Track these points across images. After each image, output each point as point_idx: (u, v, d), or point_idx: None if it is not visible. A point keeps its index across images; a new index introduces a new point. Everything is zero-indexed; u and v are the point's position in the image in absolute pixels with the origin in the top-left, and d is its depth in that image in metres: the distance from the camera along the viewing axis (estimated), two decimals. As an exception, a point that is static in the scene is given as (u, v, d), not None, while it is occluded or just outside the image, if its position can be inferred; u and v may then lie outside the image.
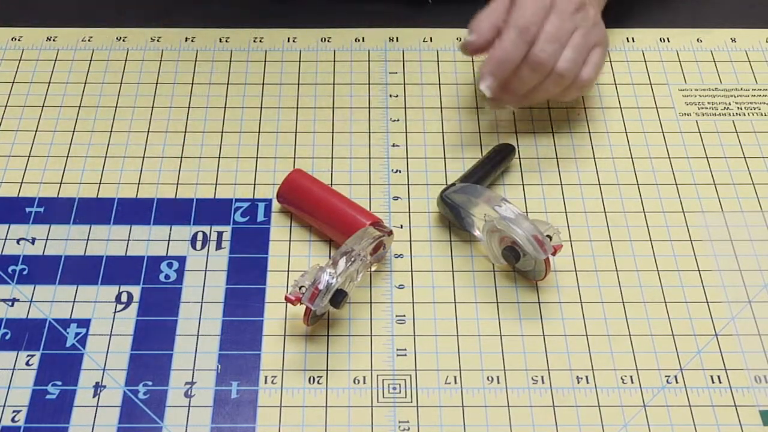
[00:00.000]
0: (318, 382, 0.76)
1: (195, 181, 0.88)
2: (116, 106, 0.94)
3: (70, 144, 0.91)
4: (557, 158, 0.91)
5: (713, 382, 0.76)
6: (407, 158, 0.91)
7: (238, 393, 0.75)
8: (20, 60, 0.99)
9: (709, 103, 0.96)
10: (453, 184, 0.85)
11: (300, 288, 0.75)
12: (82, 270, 0.82)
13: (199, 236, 0.84)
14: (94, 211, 0.85)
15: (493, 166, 0.87)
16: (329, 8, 1.04)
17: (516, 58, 0.84)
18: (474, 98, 0.95)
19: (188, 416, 0.74)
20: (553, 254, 0.78)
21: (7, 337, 0.78)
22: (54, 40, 1.01)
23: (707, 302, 0.81)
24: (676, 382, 0.76)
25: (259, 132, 0.92)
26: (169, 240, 0.84)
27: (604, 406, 0.74)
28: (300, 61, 0.99)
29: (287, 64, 0.99)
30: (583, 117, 0.94)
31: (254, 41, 1.01)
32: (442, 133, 0.93)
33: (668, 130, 0.93)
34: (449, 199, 0.83)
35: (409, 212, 0.86)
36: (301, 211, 0.84)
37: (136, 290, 0.81)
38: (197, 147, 0.91)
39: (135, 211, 0.86)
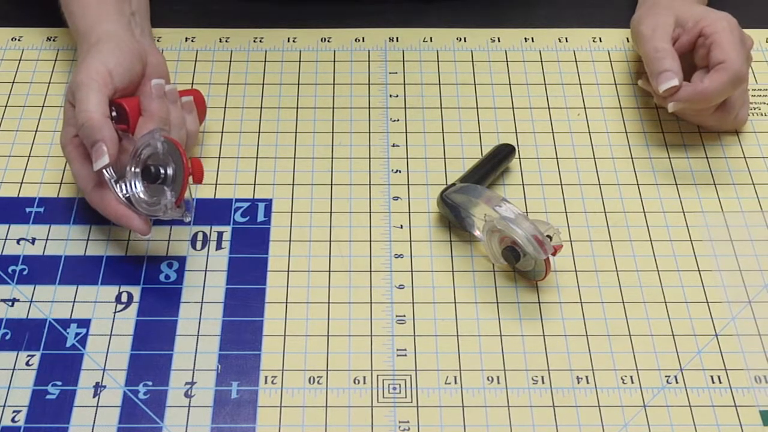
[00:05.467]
0: (318, 382, 0.76)
1: (195, 181, 0.88)
2: (116, 106, 0.94)
3: (70, 144, 0.91)
4: (557, 158, 0.91)
5: (713, 382, 0.76)
6: (407, 158, 0.91)
7: (238, 393, 0.75)
8: (20, 60, 0.99)
9: (709, 103, 0.95)
10: (453, 184, 0.85)
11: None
12: (82, 270, 0.82)
13: (199, 236, 0.84)
14: (94, 211, 0.85)
15: (493, 166, 0.87)
16: (329, 8, 1.04)
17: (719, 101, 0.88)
18: (474, 98, 0.95)
19: (188, 416, 0.74)
20: (553, 254, 0.78)
21: (7, 337, 0.78)
22: (54, 40, 1.01)
23: (707, 302, 0.81)
24: (677, 382, 0.76)
25: (259, 132, 0.92)
26: (169, 240, 0.84)
27: (604, 406, 0.75)
28: (300, 61, 0.99)
29: (287, 64, 0.99)
30: (583, 117, 0.94)
31: (254, 41, 1.01)
32: (442, 133, 0.93)
33: (668, 130, 0.93)
34: (449, 199, 0.83)
35: (409, 212, 0.86)
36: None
37: (136, 290, 0.81)
38: (197, 147, 0.91)
39: (135, 211, 0.86)
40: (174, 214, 0.77)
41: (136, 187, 0.79)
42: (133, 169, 0.79)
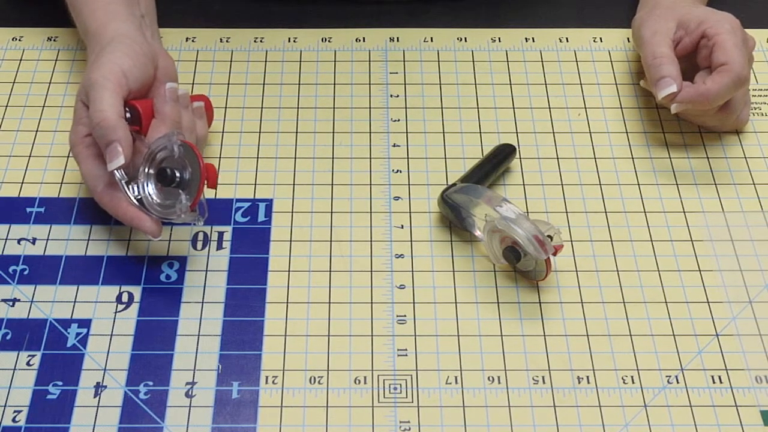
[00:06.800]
0: (319, 382, 0.76)
1: (196, 181, 0.88)
2: (117, 106, 0.94)
3: (71, 144, 0.91)
4: (557, 158, 0.91)
5: (714, 383, 0.76)
6: (408, 158, 0.91)
7: (239, 393, 0.75)
8: (21, 60, 0.99)
9: (709, 103, 0.96)
10: (454, 184, 0.85)
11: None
12: (82, 270, 0.82)
13: (200, 236, 0.84)
14: (94, 211, 0.85)
15: (493, 166, 0.87)
16: (330, 8, 1.04)
17: (721, 103, 0.88)
18: (474, 98, 0.95)
19: (189, 416, 0.74)
20: (554, 254, 0.78)
21: (8, 337, 0.78)
22: (54, 40, 1.01)
23: (708, 302, 0.81)
24: (677, 383, 0.76)
25: (259, 132, 0.92)
26: (169, 240, 0.84)
27: (604, 406, 0.75)
28: (300, 61, 0.99)
29: (288, 64, 0.99)
30: (584, 117, 0.94)
31: (255, 41, 1.01)
32: (443, 133, 0.93)
33: (669, 130, 0.93)
34: (450, 199, 0.83)
35: (410, 212, 0.86)
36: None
37: (136, 290, 0.81)
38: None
39: (136, 211, 0.86)
40: (188, 218, 0.77)
41: (148, 188, 0.79)
42: (147, 170, 0.79)
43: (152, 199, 0.79)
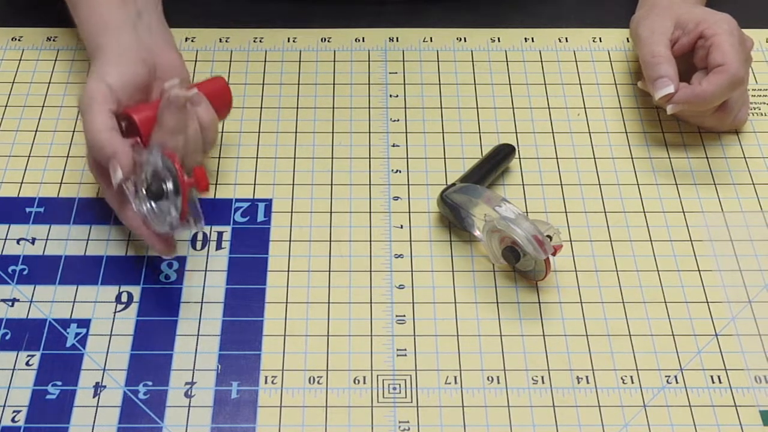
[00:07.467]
0: (318, 382, 0.76)
1: (195, 181, 0.88)
2: (116, 106, 0.94)
3: (70, 144, 0.91)
4: (557, 158, 0.91)
5: (713, 382, 0.76)
6: (407, 158, 0.91)
7: (239, 393, 0.75)
8: (20, 60, 0.99)
9: (709, 103, 0.95)
10: (453, 184, 0.85)
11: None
12: (82, 270, 0.82)
13: (200, 236, 0.84)
14: (94, 211, 0.85)
15: (493, 166, 0.87)
16: (329, 8, 1.04)
17: (718, 103, 0.88)
18: (474, 98, 0.95)
19: (188, 416, 0.74)
20: (554, 254, 0.78)
21: (7, 337, 0.78)
22: (54, 40, 1.01)
23: (707, 302, 0.81)
24: (677, 382, 0.76)
25: (259, 132, 0.92)
26: (169, 240, 0.84)
27: (604, 406, 0.75)
28: (300, 61, 0.99)
29: (287, 64, 0.99)
30: (583, 117, 0.94)
31: (254, 41, 1.01)
32: (442, 133, 0.93)
33: (668, 130, 0.93)
34: (449, 199, 0.83)
35: (409, 212, 0.86)
36: None
37: (136, 290, 0.81)
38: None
39: (135, 211, 0.86)
40: (183, 229, 0.76)
41: (147, 204, 0.77)
42: (140, 189, 0.77)
43: (151, 215, 0.77)
